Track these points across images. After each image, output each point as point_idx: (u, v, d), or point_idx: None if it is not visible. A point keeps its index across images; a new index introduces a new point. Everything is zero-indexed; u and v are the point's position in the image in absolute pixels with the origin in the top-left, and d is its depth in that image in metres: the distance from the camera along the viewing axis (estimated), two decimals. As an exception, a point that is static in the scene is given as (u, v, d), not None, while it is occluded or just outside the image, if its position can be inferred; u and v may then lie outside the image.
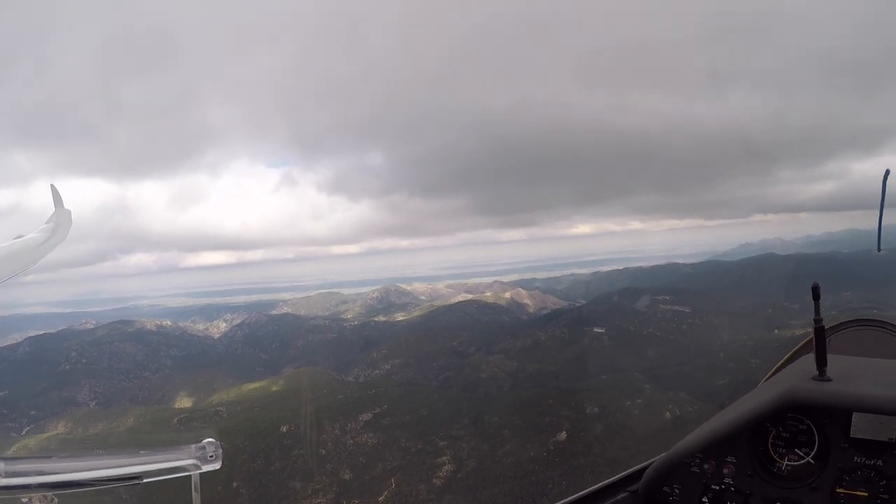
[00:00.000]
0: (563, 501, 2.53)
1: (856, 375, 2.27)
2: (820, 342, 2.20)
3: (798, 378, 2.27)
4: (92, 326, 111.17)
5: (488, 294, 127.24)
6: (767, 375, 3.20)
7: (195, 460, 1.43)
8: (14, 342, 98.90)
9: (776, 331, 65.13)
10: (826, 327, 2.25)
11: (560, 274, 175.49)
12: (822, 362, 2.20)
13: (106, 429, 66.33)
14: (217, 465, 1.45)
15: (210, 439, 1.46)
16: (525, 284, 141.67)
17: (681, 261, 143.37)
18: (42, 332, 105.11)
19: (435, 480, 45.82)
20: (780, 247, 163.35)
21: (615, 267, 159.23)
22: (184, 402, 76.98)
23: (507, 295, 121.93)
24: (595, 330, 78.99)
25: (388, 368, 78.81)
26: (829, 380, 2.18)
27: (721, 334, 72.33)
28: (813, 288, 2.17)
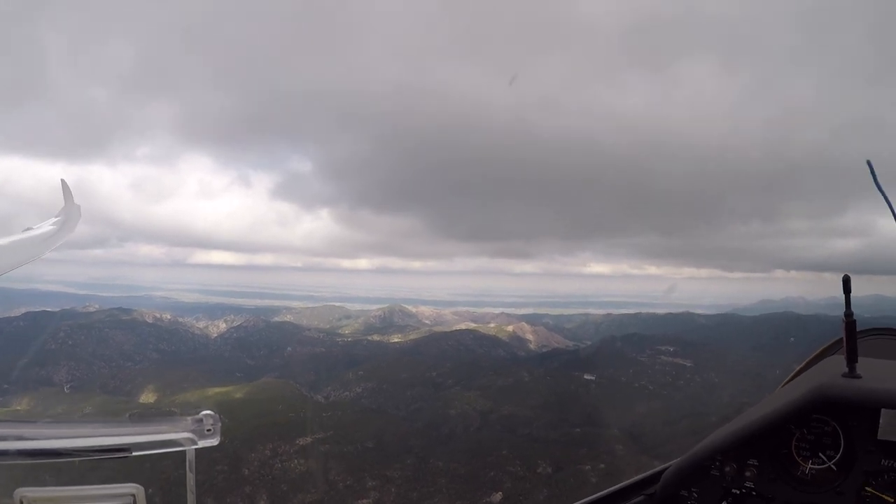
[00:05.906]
0: (579, 502, 2.37)
1: (887, 376, 2.13)
2: (850, 337, 2.01)
3: (827, 376, 2.10)
4: (93, 310, 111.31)
5: (491, 325, 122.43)
6: (787, 379, 2.81)
7: (191, 434, 1.30)
8: (13, 315, 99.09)
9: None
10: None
11: (573, 312, 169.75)
12: (852, 358, 2.02)
13: (64, 412, 64.61)
14: (215, 441, 1.34)
15: (208, 411, 1.34)
16: (533, 319, 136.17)
17: (700, 311, 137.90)
18: (41, 310, 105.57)
19: (348, 524, 41.48)
20: (801, 306, 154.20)
21: (629, 311, 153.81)
22: (148, 397, 75.08)
23: (510, 328, 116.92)
24: (585, 377, 73.98)
25: (360, 391, 75.07)
26: (858, 377, 2.01)
27: (720, 394, 66.18)
28: (844, 280, 1.98)
